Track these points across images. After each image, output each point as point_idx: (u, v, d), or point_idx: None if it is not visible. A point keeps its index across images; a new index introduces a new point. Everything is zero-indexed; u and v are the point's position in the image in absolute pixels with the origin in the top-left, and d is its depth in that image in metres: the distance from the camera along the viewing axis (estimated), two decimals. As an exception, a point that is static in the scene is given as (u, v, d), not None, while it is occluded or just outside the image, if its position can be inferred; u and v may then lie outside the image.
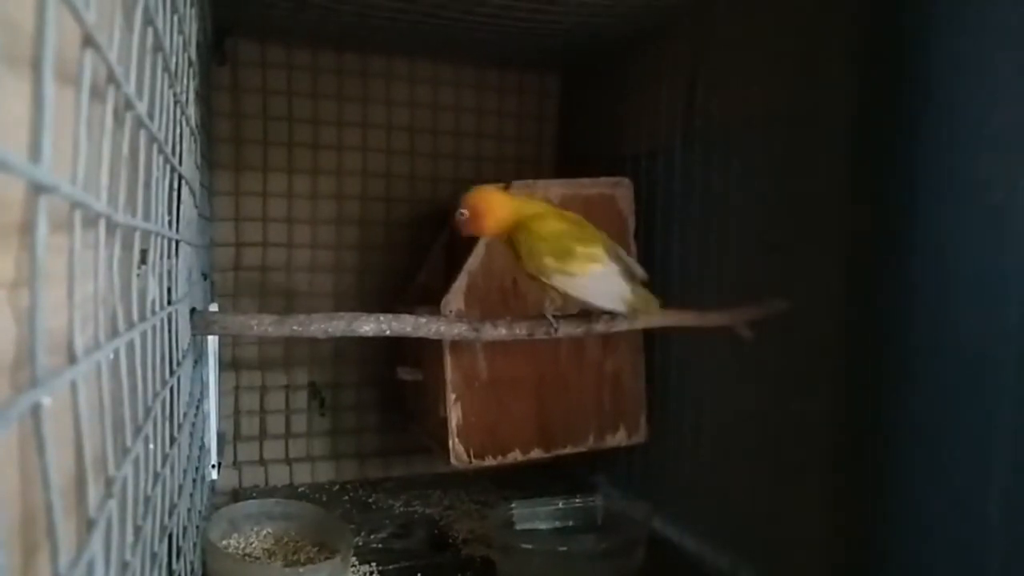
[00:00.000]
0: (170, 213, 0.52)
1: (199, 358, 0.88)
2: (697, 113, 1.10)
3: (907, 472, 0.72)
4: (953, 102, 0.69)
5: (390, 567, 1.02)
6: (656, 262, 1.17)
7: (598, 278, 0.84)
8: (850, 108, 0.82)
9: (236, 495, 1.27)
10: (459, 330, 0.86)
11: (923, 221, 0.71)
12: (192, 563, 0.67)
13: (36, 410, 0.19)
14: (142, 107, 0.33)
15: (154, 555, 0.39)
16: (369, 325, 0.79)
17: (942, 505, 0.68)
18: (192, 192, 0.70)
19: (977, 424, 0.65)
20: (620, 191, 1.17)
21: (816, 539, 0.84)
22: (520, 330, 0.88)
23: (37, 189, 0.19)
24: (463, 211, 0.85)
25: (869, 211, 0.78)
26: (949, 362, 0.68)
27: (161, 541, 0.42)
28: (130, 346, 0.32)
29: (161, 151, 0.42)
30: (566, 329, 0.90)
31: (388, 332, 0.81)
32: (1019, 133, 0.63)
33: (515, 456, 1.11)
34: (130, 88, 0.30)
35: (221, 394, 1.24)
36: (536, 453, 1.13)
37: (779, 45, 0.94)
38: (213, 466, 1.08)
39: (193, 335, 0.72)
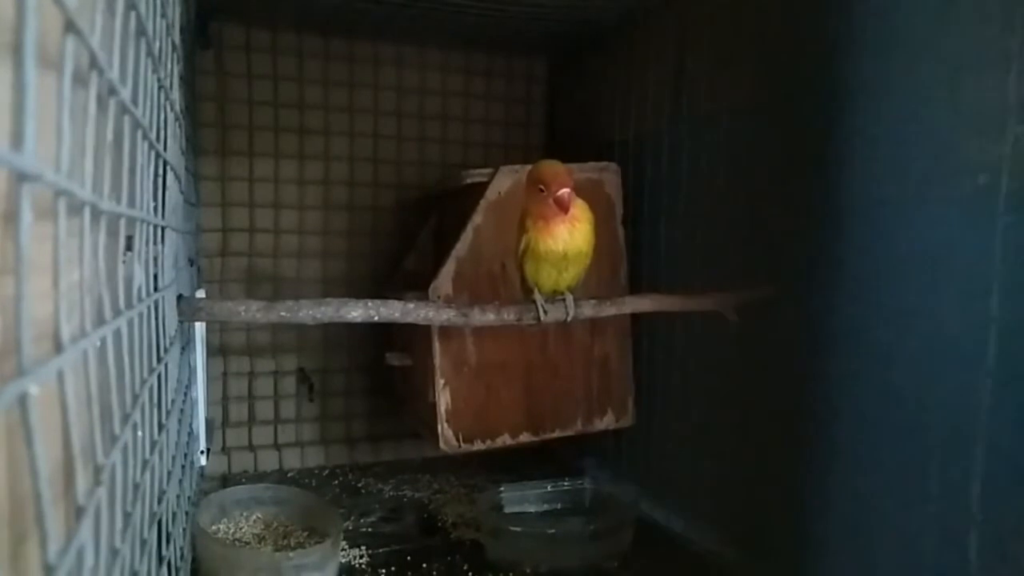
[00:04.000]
0: (155, 199, 0.52)
1: (186, 344, 0.88)
2: (684, 98, 1.10)
3: (855, 451, 0.75)
4: (931, 91, 0.69)
5: (380, 551, 1.02)
6: (643, 246, 1.17)
7: None
8: (833, 92, 0.82)
9: (225, 481, 1.27)
10: (447, 315, 0.86)
11: (901, 212, 0.72)
12: (182, 549, 0.67)
13: (23, 399, 0.19)
14: (126, 93, 0.33)
15: (144, 541, 0.39)
16: (357, 311, 0.79)
17: (884, 484, 0.74)
18: (177, 178, 0.70)
19: (919, 410, 0.70)
20: (608, 176, 1.17)
21: (798, 519, 0.85)
22: (508, 315, 0.88)
23: (20, 177, 0.19)
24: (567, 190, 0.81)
25: (846, 195, 0.79)
26: (907, 351, 0.71)
27: (151, 528, 0.42)
28: (117, 334, 0.32)
29: (145, 137, 0.42)
30: (554, 315, 0.90)
31: (376, 318, 0.80)
32: (989, 119, 0.64)
33: (504, 440, 1.12)
34: (113, 74, 0.29)
35: (209, 380, 1.24)
36: (525, 437, 1.13)
37: (764, 30, 0.94)
38: (202, 452, 1.08)
39: (180, 321, 0.72)
